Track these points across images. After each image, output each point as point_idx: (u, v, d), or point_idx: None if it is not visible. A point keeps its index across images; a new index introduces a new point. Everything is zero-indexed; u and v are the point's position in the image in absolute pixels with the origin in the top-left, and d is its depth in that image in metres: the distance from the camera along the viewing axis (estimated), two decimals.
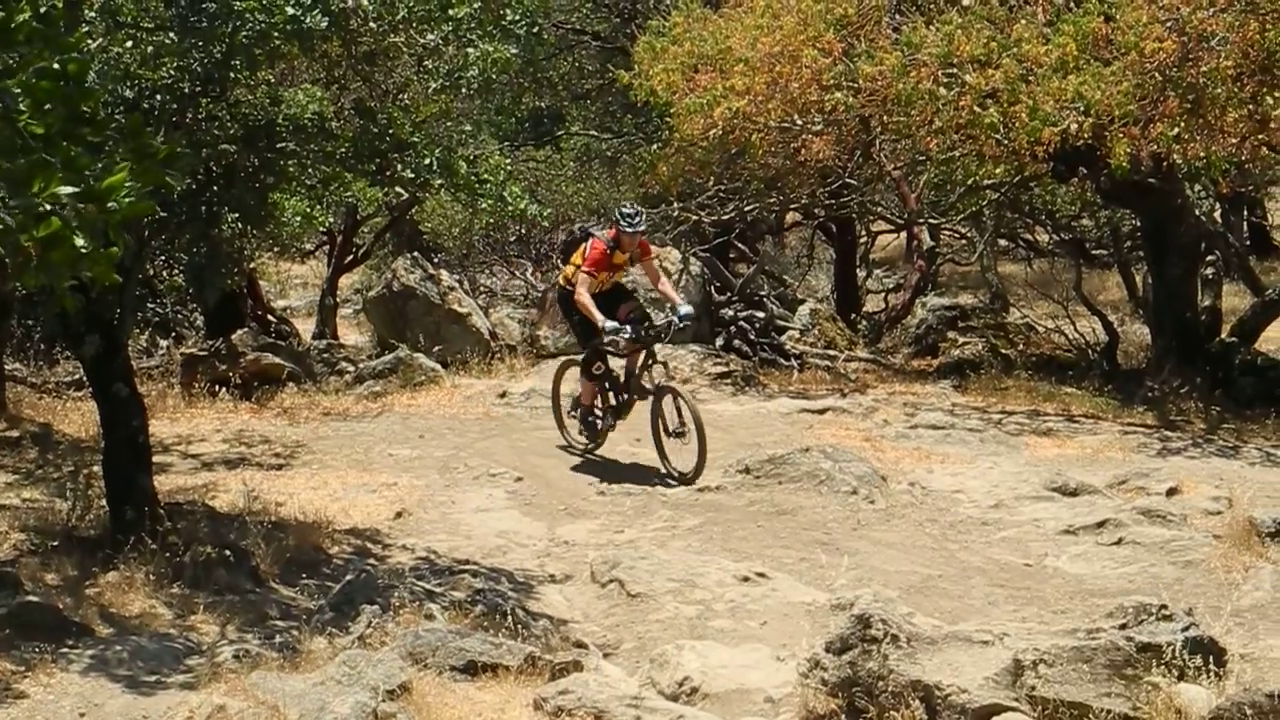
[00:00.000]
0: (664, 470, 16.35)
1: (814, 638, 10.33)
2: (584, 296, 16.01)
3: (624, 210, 16.28)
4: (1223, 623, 10.09)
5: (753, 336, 23.74)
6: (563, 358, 19.51)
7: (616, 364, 17.12)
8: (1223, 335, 24.03)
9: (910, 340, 26.31)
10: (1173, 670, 9.26)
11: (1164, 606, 9.76)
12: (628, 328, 16.03)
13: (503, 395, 20.35)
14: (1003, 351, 24.55)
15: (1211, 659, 9.38)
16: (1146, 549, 13.78)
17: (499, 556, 13.64)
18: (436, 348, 22.41)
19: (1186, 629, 9.53)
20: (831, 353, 23.86)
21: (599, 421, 17.06)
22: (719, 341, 23.42)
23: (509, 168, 14.58)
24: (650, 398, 16.52)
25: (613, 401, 16.93)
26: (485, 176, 13.28)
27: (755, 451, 16.45)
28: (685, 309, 16.44)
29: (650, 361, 16.56)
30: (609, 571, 12.94)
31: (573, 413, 17.44)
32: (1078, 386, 22.17)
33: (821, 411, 20.02)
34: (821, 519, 14.72)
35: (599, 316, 15.92)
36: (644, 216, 16.38)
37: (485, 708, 9.66)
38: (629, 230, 16.02)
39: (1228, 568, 13.07)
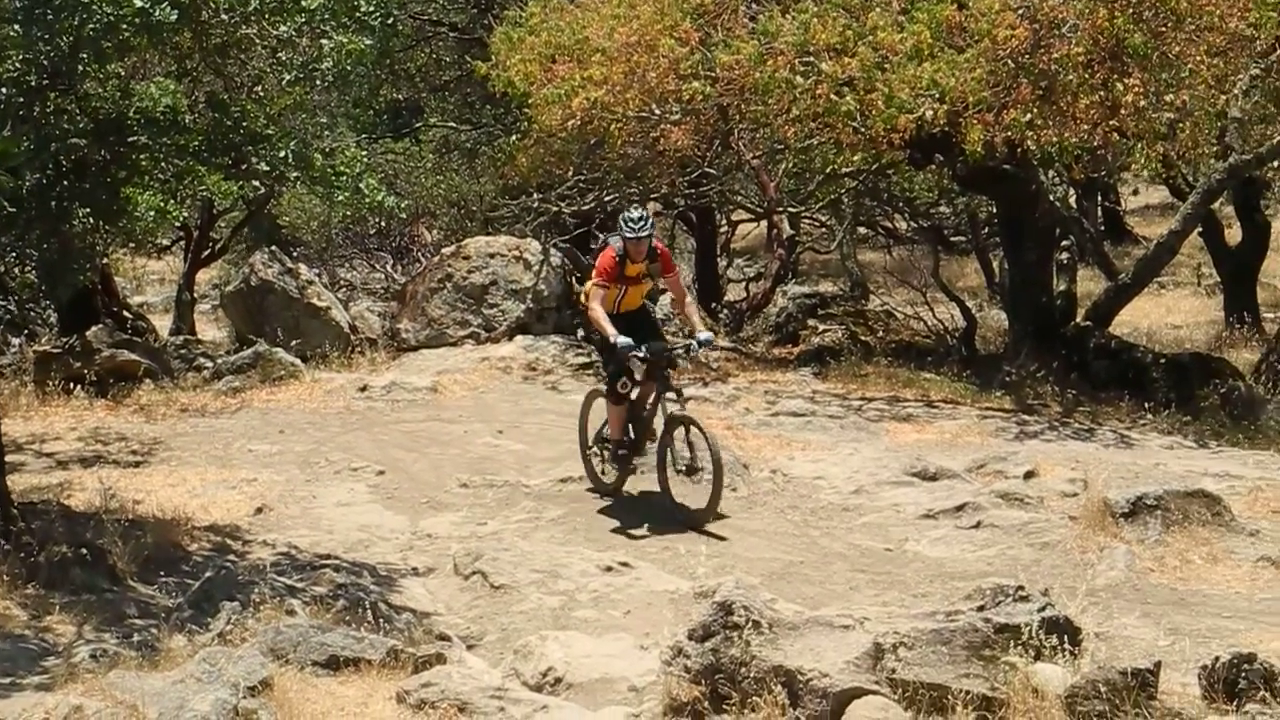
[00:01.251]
0: (670, 505, 14.58)
1: (677, 626, 10.34)
2: (595, 309, 14.39)
3: (628, 215, 14.48)
4: (1078, 602, 10.21)
5: None
6: (589, 389, 17.17)
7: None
8: (1078, 319, 24.34)
9: (771, 328, 26.42)
10: (1029, 650, 9.36)
11: (1021, 588, 9.87)
12: (642, 347, 14.27)
13: (364, 389, 20.23)
14: (862, 339, 24.72)
15: (1067, 638, 9.50)
16: (1004, 531, 13.94)
17: (361, 550, 13.57)
18: (295, 342, 22.23)
19: (1043, 609, 9.64)
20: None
21: (628, 455, 15.11)
22: (580, 332, 23.40)
23: (366, 160, 14.45)
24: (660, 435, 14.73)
25: (630, 434, 15.07)
26: (342, 169, 13.17)
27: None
28: (705, 335, 14.56)
29: (664, 394, 14.58)
30: (472, 564, 12.90)
31: (599, 447, 15.49)
32: (936, 372, 22.37)
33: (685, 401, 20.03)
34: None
35: (610, 329, 14.20)
36: (651, 221, 14.60)
37: (348, 702, 9.60)
38: (631, 235, 14.27)
39: (1083, 548, 13.25)
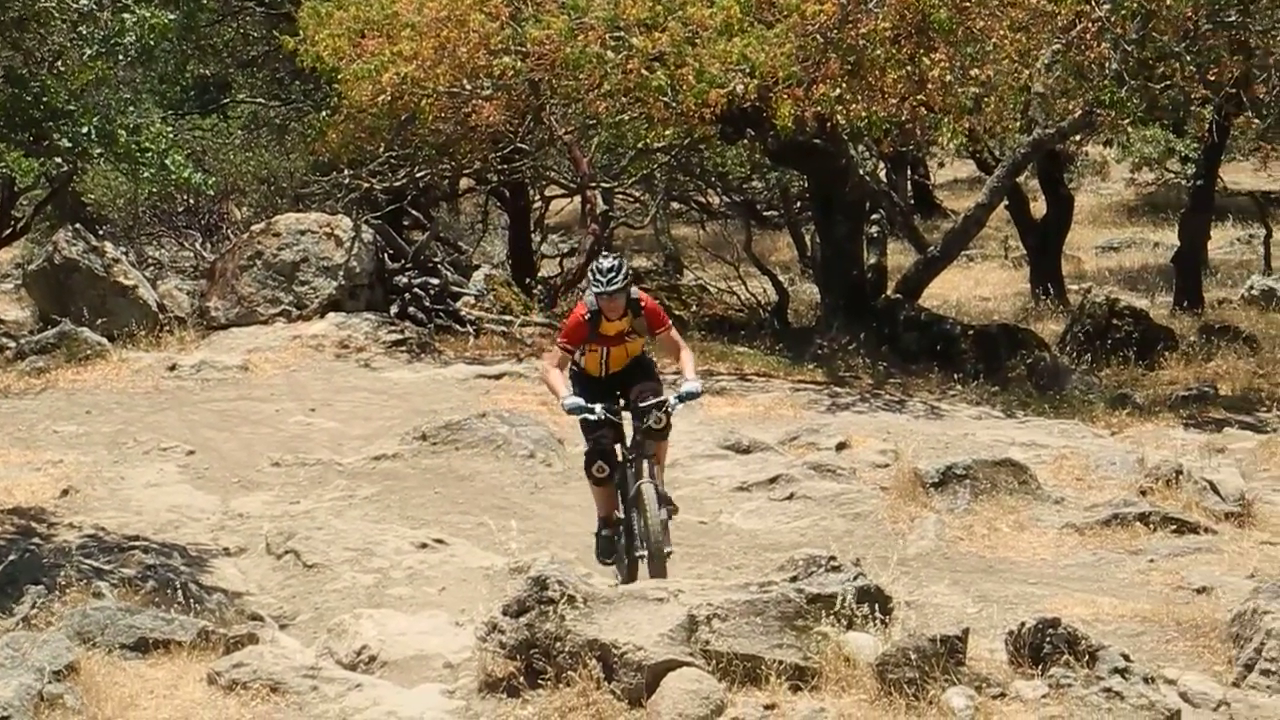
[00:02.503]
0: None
1: (492, 602, 10.32)
2: (546, 373, 12.24)
3: (597, 265, 11.90)
4: (889, 572, 10.34)
5: (427, 303, 23.61)
6: None
7: None
8: (888, 292, 24.64)
9: None
10: (841, 619, 9.46)
11: (833, 558, 9.97)
12: (596, 407, 11.76)
13: (173, 368, 19.95)
14: (676, 313, 24.82)
15: (878, 607, 9.61)
16: (817, 503, 14.08)
17: (171, 531, 13.38)
18: (102, 321, 21.84)
19: (854, 579, 9.74)
20: (507, 318, 23.82)
21: (617, 539, 12.14)
22: (393, 309, 23.25)
23: (173, 136, 14.24)
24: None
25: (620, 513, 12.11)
26: (147, 145, 12.96)
27: (432, 418, 16.41)
28: (691, 385, 12.01)
29: (638, 454, 11.96)
30: (284, 543, 12.79)
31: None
32: (750, 346, 22.54)
33: (498, 377, 20.02)
34: (499, 484, 14.73)
35: (561, 389, 11.84)
36: (625, 270, 11.88)
37: (158, 685, 9.47)
38: (601, 290, 11.71)
39: (894, 519, 13.42)
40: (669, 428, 11.95)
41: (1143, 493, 13.84)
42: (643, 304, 12.03)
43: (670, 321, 12.36)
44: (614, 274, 11.70)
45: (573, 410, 11.75)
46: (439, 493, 14.41)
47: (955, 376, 21.04)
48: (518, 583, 10.16)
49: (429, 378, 20.02)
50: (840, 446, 15.91)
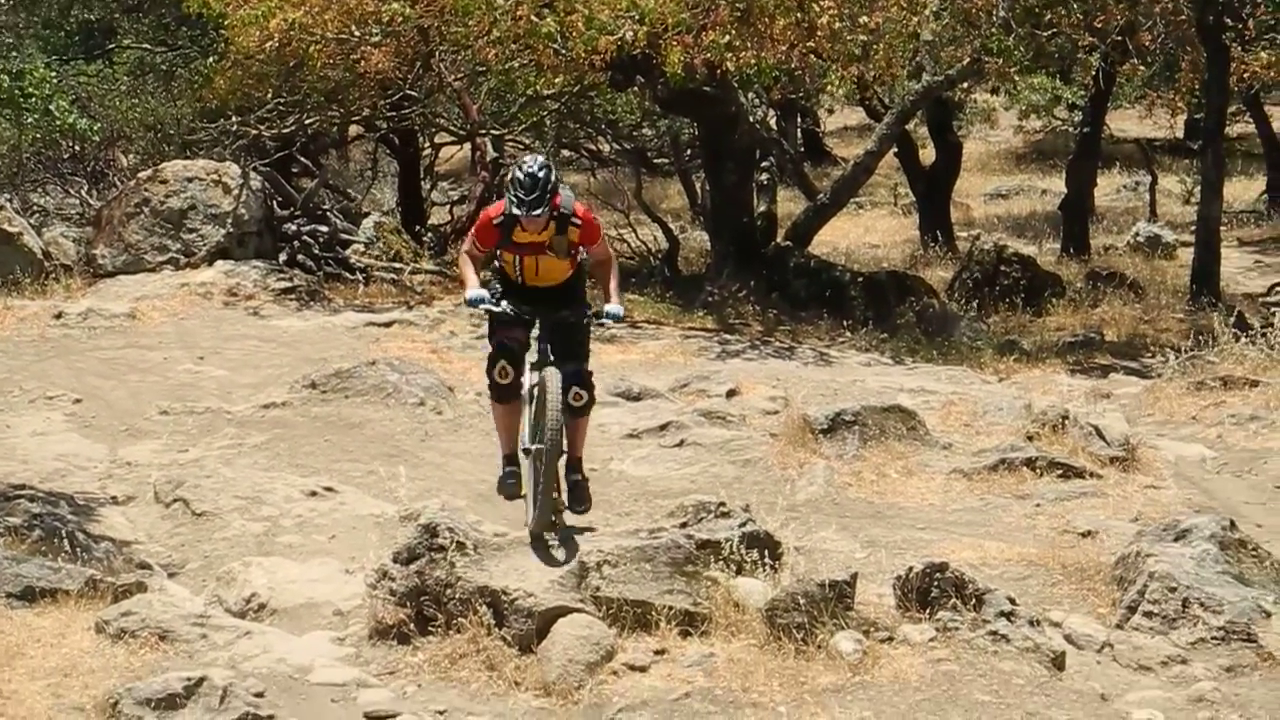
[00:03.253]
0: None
1: (382, 549, 10.33)
2: (461, 260, 10.87)
3: (517, 171, 10.15)
4: (778, 517, 10.39)
5: (317, 251, 23.46)
6: None
7: None
8: (778, 239, 24.73)
9: None
10: (731, 565, 9.52)
11: (722, 504, 10.03)
12: (501, 301, 10.45)
13: (59, 316, 19.70)
14: None
15: (767, 553, 9.68)
16: (708, 450, 14.12)
17: (58, 480, 13.24)
18: None
19: (744, 525, 9.81)
20: (397, 266, 23.71)
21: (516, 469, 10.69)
22: (283, 257, 23.07)
23: (57, 82, 14.05)
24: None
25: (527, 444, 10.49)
26: (31, 91, 12.79)
27: (321, 366, 16.30)
28: (615, 307, 10.58)
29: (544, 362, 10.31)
30: (173, 491, 12.69)
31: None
32: (640, 293, 22.54)
33: (388, 325, 19.96)
34: (390, 431, 14.69)
35: (467, 278, 10.56)
36: (550, 180, 10.09)
37: (45, 633, 9.39)
38: (515, 212, 10.11)
39: (784, 465, 13.48)
40: (590, 403, 10.42)
41: (1029, 438, 13.97)
42: (578, 222, 10.29)
43: (602, 235, 10.78)
44: (535, 192, 9.92)
45: (473, 302, 10.36)
46: (329, 440, 14.35)
47: (845, 323, 21.16)
48: (408, 530, 10.16)
49: (318, 325, 19.91)
50: (730, 393, 15.98)
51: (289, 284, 21.76)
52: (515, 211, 10.05)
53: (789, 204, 29.04)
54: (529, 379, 10.36)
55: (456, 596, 9.43)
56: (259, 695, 8.71)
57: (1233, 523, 10.63)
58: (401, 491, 11.28)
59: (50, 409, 15.59)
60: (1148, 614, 9.74)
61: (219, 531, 12.00)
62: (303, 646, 9.62)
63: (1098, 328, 21.86)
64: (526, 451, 10.39)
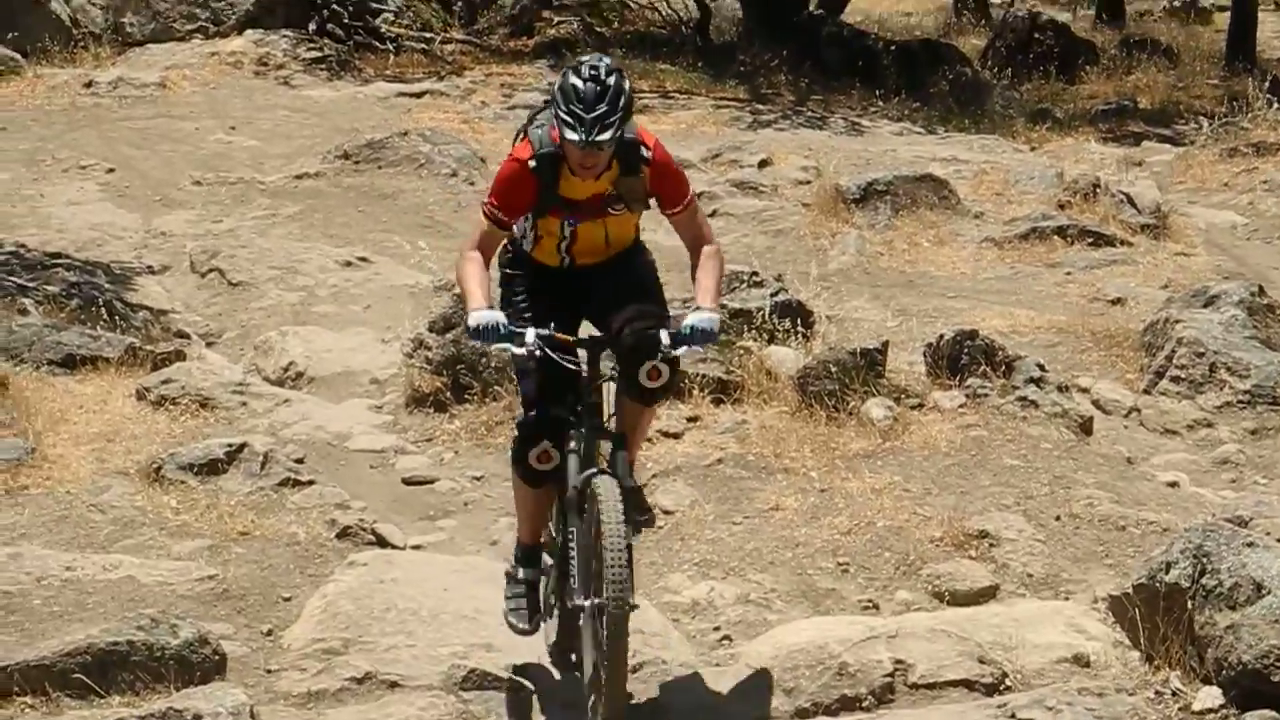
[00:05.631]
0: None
1: (417, 319, 10.43)
2: (460, 260, 6.73)
3: (566, 80, 6.49)
4: (810, 287, 10.48)
5: (346, 20, 23.25)
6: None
7: None
8: (810, 8, 24.46)
9: (505, 20, 26.08)
10: (763, 334, 9.63)
11: (755, 274, 10.11)
12: (529, 332, 6.48)
13: (89, 85, 19.63)
14: (598, 30, 24.57)
15: (799, 321, 9.78)
16: (740, 220, 14.15)
17: (94, 249, 13.32)
18: (12, 35, 21.42)
19: (776, 294, 9.90)
20: (427, 35, 23.51)
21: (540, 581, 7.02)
22: (312, 25, 22.87)
23: None
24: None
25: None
26: None
27: (354, 137, 16.29)
28: (703, 317, 6.55)
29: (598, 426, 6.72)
30: (209, 261, 12.79)
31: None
32: (672, 63, 22.37)
33: (419, 95, 19.86)
34: (423, 202, 14.72)
35: (471, 290, 6.56)
36: (621, 99, 6.45)
37: (87, 399, 9.56)
38: (572, 135, 6.39)
39: (816, 234, 13.52)
40: (671, 385, 6.94)
41: (1061, 206, 13.98)
42: (648, 154, 6.71)
43: (692, 193, 6.95)
44: (601, 102, 6.41)
45: (480, 333, 6.46)
46: (362, 211, 14.40)
47: (877, 93, 21.00)
48: (443, 299, 10.26)
49: (349, 96, 19.83)
50: (763, 164, 15.94)
51: (319, 54, 21.62)
52: (571, 137, 6.37)
53: None
54: (573, 468, 6.60)
55: (492, 365, 9.54)
56: (299, 461, 8.90)
57: (1261, 288, 10.69)
58: (435, 262, 11.36)
59: (84, 179, 15.63)
60: (1175, 379, 9.84)
61: (255, 301, 12.11)
62: (341, 414, 9.78)
63: (1131, 95, 21.67)
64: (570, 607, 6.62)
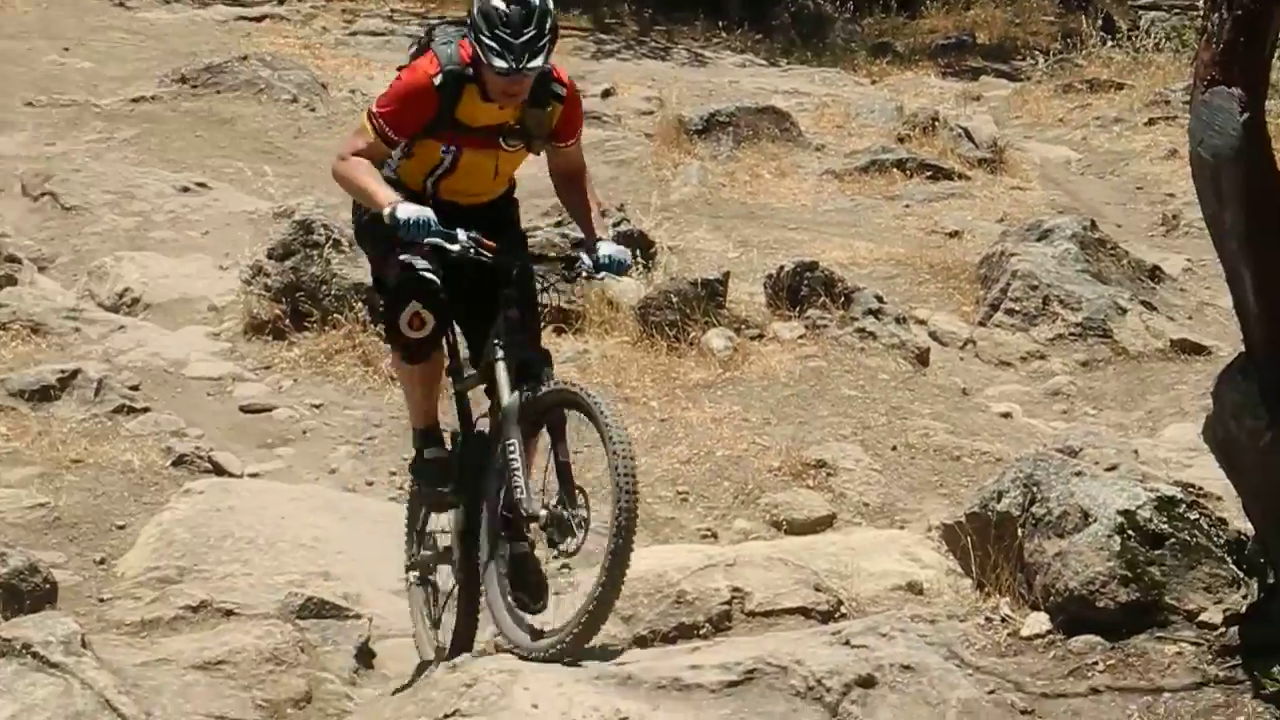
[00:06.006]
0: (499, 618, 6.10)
1: (256, 246, 10.33)
2: (346, 166, 6.29)
3: (494, 4, 6.05)
4: (652, 217, 10.51)
5: None
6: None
7: None
8: None
9: None
10: None
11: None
12: (459, 232, 6.11)
13: None
14: None
15: (641, 252, 9.79)
16: (583, 150, 14.09)
17: None
18: None
19: (618, 224, 9.90)
20: None
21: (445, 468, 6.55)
22: None
23: None
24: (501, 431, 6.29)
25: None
26: None
27: (191, 60, 16.02)
28: (613, 250, 6.35)
29: (504, 356, 6.26)
30: (41, 184, 12.53)
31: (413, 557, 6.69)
32: None
33: (259, 19, 19.59)
34: (262, 128, 14.54)
35: (380, 191, 6.14)
36: (549, 18, 6.11)
37: None
38: (499, 63, 6.01)
39: (659, 165, 13.54)
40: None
41: (900, 140, 14.11)
42: (562, 89, 6.37)
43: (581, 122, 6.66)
44: (528, 26, 6.03)
45: (414, 227, 6.01)
46: (200, 136, 14.19)
47: (720, 24, 21.04)
48: (282, 226, 10.17)
49: (187, 19, 19.51)
50: (606, 94, 15.92)
51: None
52: (499, 65, 5.98)
53: None
54: (505, 383, 6.19)
55: (332, 293, 9.50)
56: (134, 388, 8.78)
57: (1094, 223, 10.87)
58: (275, 188, 11.25)
59: None
60: (1010, 311, 9.99)
61: (89, 226, 11.90)
62: (177, 341, 9.67)
63: (970, 30, 21.86)
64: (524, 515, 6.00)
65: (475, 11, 6.09)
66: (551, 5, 6.14)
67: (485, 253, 6.18)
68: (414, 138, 6.27)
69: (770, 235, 11.86)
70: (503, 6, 6.03)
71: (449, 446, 6.57)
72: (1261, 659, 5.57)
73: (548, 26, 6.09)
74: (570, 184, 6.61)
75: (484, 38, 6.01)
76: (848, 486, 7.96)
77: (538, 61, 6.06)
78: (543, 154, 6.50)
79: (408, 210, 6.01)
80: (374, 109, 6.28)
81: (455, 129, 6.26)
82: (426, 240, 6.10)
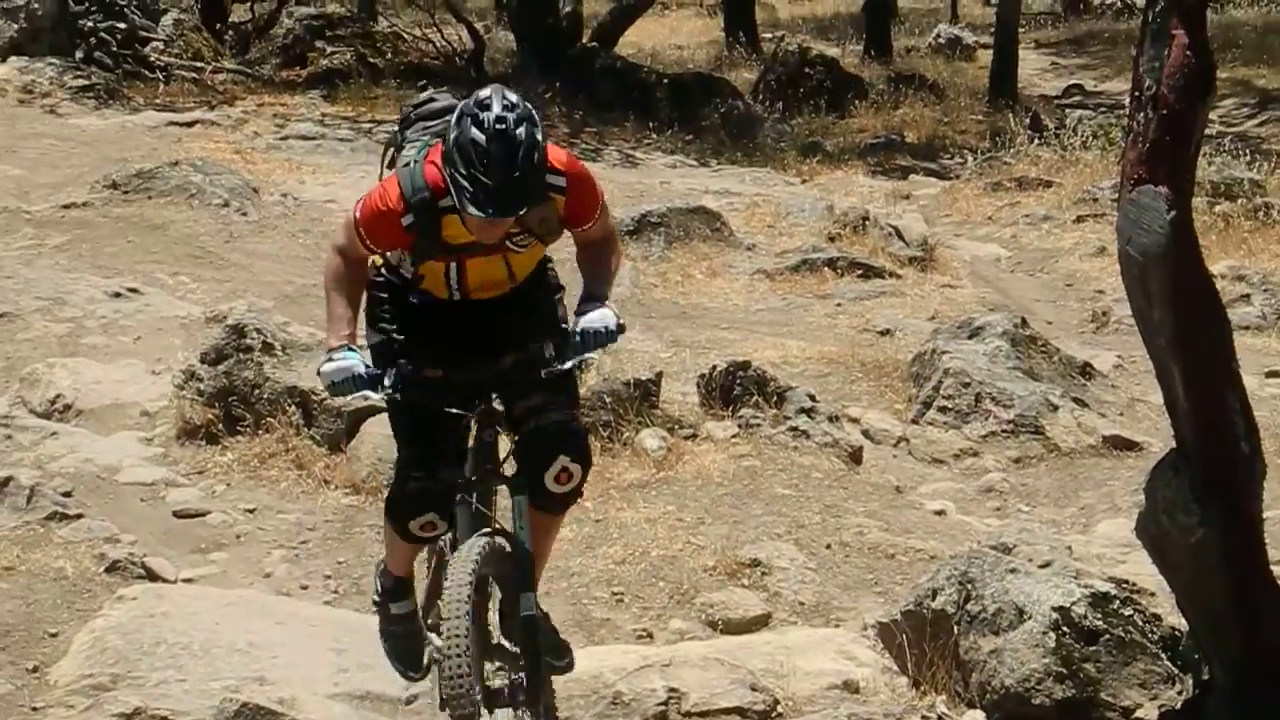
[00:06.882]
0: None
1: (189, 350, 10.33)
2: (329, 274, 5.85)
3: (468, 133, 5.31)
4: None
5: (114, 48, 22.93)
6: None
7: None
8: (584, 40, 24.62)
9: (278, 51, 25.92)
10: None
11: None
12: (388, 371, 5.66)
13: None
14: (371, 60, 24.50)
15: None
16: None
17: None
18: None
19: None
20: (198, 64, 23.31)
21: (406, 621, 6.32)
22: (79, 54, 22.52)
23: None
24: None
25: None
26: None
27: (123, 166, 16.00)
28: (596, 315, 5.72)
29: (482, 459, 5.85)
30: None
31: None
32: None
33: (190, 125, 19.64)
34: (194, 232, 14.52)
35: (329, 334, 5.80)
36: (536, 151, 5.37)
37: None
38: (477, 214, 5.33)
39: None
40: (580, 488, 5.95)
41: (831, 239, 14.22)
42: (561, 180, 5.66)
43: (602, 200, 5.92)
44: (511, 167, 5.30)
45: (335, 388, 5.68)
46: (132, 241, 14.16)
47: (650, 125, 21.22)
48: (215, 331, 10.17)
49: (118, 125, 19.54)
50: None
51: (87, 82, 21.27)
52: (474, 212, 5.33)
53: (594, 4, 28.90)
54: (463, 525, 5.75)
55: (265, 397, 9.48)
56: (66, 494, 8.73)
57: (1024, 320, 10.96)
58: (210, 294, 11.24)
59: None
60: (942, 409, 10.05)
61: (21, 332, 11.85)
62: (110, 447, 9.62)
63: (899, 129, 22.11)
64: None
65: (449, 142, 5.38)
66: (539, 133, 5.40)
67: (438, 396, 5.67)
68: (413, 258, 5.75)
69: (703, 335, 11.91)
70: (481, 141, 5.28)
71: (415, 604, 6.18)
72: None
73: (536, 161, 5.36)
74: (587, 250, 5.94)
75: (459, 176, 5.31)
76: (783, 585, 7.96)
77: (521, 207, 5.38)
78: None
79: (329, 370, 5.60)
80: (357, 212, 5.70)
81: (446, 250, 5.68)
82: (353, 397, 5.89)
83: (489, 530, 5.61)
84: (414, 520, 5.87)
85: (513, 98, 5.39)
